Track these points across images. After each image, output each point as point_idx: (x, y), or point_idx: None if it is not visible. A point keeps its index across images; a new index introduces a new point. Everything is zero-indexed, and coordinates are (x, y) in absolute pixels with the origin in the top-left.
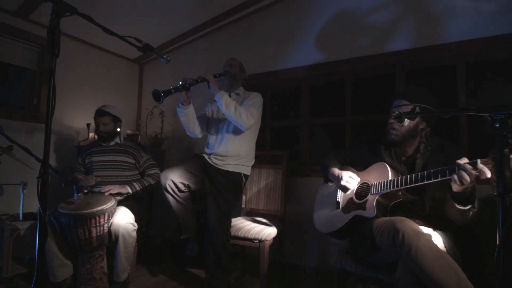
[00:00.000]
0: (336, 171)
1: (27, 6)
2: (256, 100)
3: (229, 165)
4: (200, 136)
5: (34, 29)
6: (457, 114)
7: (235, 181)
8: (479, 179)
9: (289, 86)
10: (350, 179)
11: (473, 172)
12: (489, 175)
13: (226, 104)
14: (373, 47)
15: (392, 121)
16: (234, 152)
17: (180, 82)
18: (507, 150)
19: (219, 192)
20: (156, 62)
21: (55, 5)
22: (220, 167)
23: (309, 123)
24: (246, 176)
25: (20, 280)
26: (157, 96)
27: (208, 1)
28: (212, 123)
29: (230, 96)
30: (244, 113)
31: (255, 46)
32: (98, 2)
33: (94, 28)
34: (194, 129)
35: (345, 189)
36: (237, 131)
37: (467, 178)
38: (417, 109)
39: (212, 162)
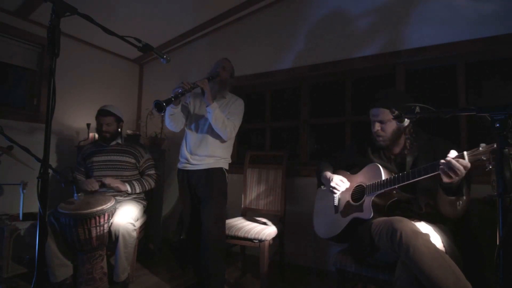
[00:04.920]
0: (328, 174)
1: (27, 6)
2: (240, 109)
3: (209, 164)
4: (179, 130)
5: (34, 29)
6: (457, 114)
7: (218, 177)
8: (466, 170)
9: (289, 86)
10: (340, 182)
11: (461, 165)
12: (468, 165)
13: (215, 118)
14: (373, 47)
15: (376, 129)
16: (213, 153)
17: (180, 90)
18: (507, 150)
19: (207, 194)
20: (156, 62)
21: (55, 5)
22: (200, 168)
23: (309, 123)
24: (226, 170)
25: (20, 280)
26: (160, 107)
27: (208, 1)
28: (193, 119)
29: (216, 98)
30: (229, 127)
31: (255, 46)
32: (98, 2)
33: (94, 28)
34: (178, 125)
35: (334, 190)
36: (217, 135)
37: (455, 170)
38: (417, 109)
39: (192, 164)
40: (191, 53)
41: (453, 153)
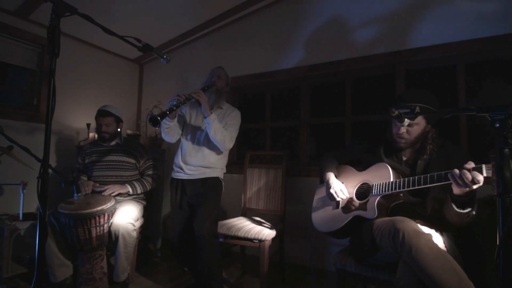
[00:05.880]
0: (331, 178)
1: (27, 6)
2: (237, 120)
3: (205, 173)
4: (174, 141)
5: (34, 29)
6: (457, 114)
7: (214, 185)
8: (479, 184)
9: (289, 86)
10: (340, 192)
11: (476, 178)
12: (481, 181)
13: (214, 129)
14: (373, 47)
15: (401, 131)
16: (209, 164)
17: (174, 102)
18: (507, 150)
19: (201, 200)
20: (156, 62)
21: (55, 5)
22: (196, 177)
23: (309, 123)
24: (222, 180)
25: (20, 280)
26: (155, 121)
27: (208, 1)
28: (189, 130)
29: (213, 108)
30: (227, 137)
31: (255, 46)
32: (98, 2)
33: (94, 28)
34: (174, 137)
35: (331, 197)
36: (213, 146)
37: (468, 183)
38: (417, 109)
39: (187, 174)
40: (191, 53)
41: (470, 165)
